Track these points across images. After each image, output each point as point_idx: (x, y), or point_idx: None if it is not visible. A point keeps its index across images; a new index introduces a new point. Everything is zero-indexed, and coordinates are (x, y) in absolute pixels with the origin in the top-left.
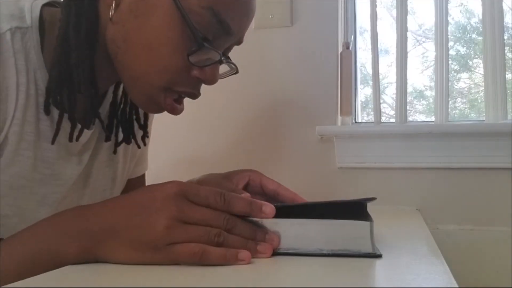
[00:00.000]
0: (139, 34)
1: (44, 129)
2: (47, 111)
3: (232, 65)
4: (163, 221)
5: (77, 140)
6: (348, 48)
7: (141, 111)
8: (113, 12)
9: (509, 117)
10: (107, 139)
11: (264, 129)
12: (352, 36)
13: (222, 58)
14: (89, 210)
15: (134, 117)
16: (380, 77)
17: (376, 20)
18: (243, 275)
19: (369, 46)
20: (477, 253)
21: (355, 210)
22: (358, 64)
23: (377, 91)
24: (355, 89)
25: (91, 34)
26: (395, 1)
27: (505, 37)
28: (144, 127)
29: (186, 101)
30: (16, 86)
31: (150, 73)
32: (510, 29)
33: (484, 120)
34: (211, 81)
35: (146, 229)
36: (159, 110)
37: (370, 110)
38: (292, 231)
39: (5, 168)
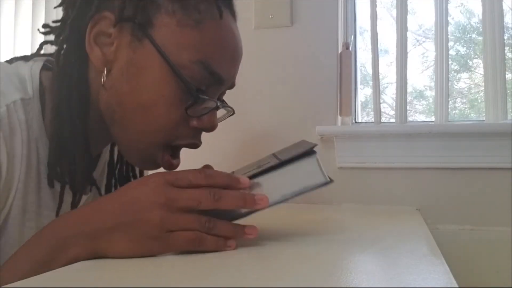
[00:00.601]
0: (133, 96)
1: (45, 197)
2: (51, 184)
3: (228, 108)
4: (157, 212)
5: (76, 206)
6: (348, 48)
7: (137, 168)
8: (105, 78)
9: (509, 117)
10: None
11: (264, 129)
12: (352, 36)
13: (219, 104)
14: (80, 215)
15: (131, 173)
16: (380, 77)
17: (376, 20)
18: (250, 273)
19: (369, 46)
20: (477, 253)
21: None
22: (358, 64)
23: (377, 91)
24: (355, 89)
25: (82, 104)
26: (395, 1)
27: (505, 37)
28: None
29: None
30: (20, 158)
31: (149, 131)
32: (510, 29)
33: (484, 120)
34: (211, 128)
35: (142, 222)
36: (156, 167)
37: (370, 110)
38: (263, 189)
39: (13, 242)
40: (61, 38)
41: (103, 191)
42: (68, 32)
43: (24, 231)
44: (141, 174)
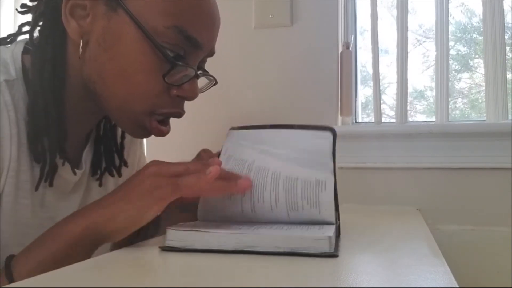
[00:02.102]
0: (112, 65)
1: (38, 175)
2: (38, 160)
3: (210, 77)
4: (148, 175)
5: (75, 174)
6: (348, 48)
7: (117, 131)
8: (81, 50)
9: (509, 117)
10: (94, 173)
11: None
12: (352, 36)
13: (198, 72)
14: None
15: (114, 148)
16: (380, 77)
17: (377, 20)
18: (249, 273)
19: (369, 46)
20: (477, 253)
21: None
22: (358, 64)
23: (377, 91)
24: (355, 89)
25: (58, 79)
26: (395, 1)
27: (506, 37)
28: (122, 158)
29: (187, 101)
30: (10, 137)
31: (131, 100)
32: (511, 28)
33: (484, 120)
34: (192, 96)
35: (135, 186)
36: (147, 135)
37: (370, 110)
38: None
39: (7, 218)
40: (37, 14)
41: (88, 165)
42: (43, 8)
43: (19, 207)
44: (122, 148)
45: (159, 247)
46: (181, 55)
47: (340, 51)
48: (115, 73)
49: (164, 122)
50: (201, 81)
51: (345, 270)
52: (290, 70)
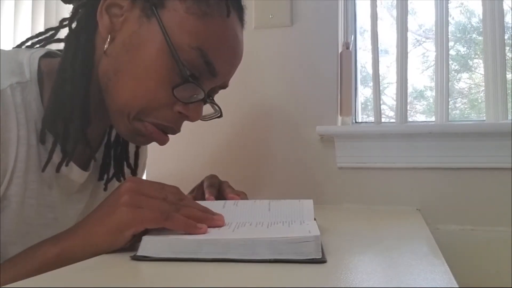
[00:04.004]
0: (129, 67)
1: (46, 176)
2: (43, 141)
3: (216, 107)
4: (124, 195)
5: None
6: (348, 48)
7: (131, 151)
8: (107, 45)
9: (509, 117)
10: (100, 178)
11: (264, 129)
12: (352, 36)
13: (207, 98)
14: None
15: (124, 155)
16: (380, 77)
17: (376, 20)
18: (249, 273)
19: (369, 46)
20: (477, 253)
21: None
22: (358, 64)
23: (377, 91)
24: (355, 89)
25: (86, 66)
26: (395, 1)
27: (506, 37)
28: (131, 166)
29: None
30: (17, 139)
31: (132, 103)
32: (511, 28)
33: (484, 120)
34: (194, 117)
35: (111, 207)
36: (146, 141)
37: (369, 110)
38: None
39: (12, 217)
40: (78, 4)
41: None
42: (86, 0)
43: (25, 207)
44: (136, 157)
45: (130, 256)
46: (196, 76)
47: (340, 51)
48: (130, 75)
49: (163, 131)
50: (206, 110)
51: (345, 270)
52: (290, 70)
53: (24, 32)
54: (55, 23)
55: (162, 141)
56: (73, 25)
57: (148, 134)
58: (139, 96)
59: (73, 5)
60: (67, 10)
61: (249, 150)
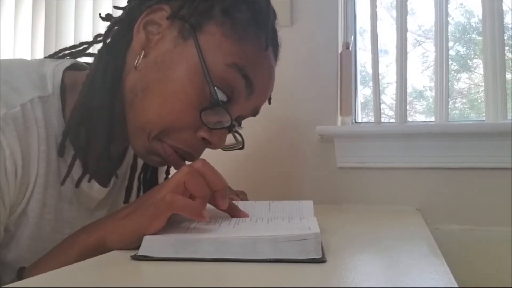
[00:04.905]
0: (158, 86)
1: (65, 191)
2: (61, 153)
3: (238, 137)
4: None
5: (104, 188)
6: (348, 48)
7: (160, 175)
8: (139, 61)
9: (509, 117)
10: (126, 201)
11: (264, 129)
12: (352, 36)
13: (233, 124)
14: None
15: (154, 178)
16: (380, 77)
17: (376, 20)
18: (249, 273)
19: (369, 46)
20: (477, 253)
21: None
22: (358, 64)
23: (377, 91)
24: (355, 89)
25: (115, 80)
26: (395, 1)
27: (505, 37)
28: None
29: None
30: (38, 154)
31: (155, 122)
32: (510, 29)
33: (484, 120)
34: (217, 145)
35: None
36: (160, 163)
37: (369, 110)
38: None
39: (29, 233)
40: (115, 20)
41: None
42: (124, 15)
43: (43, 223)
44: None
45: (130, 256)
46: (225, 101)
47: (339, 51)
48: (157, 93)
49: (181, 156)
50: (227, 140)
51: (345, 269)
52: (290, 70)
53: (24, 33)
54: (55, 23)
55: (177, 166)
56: (107, 40)
57: (165, 157)
58: (163, 116)
59: (110, 22)
60: (69, 11)
61: (249, 150)
